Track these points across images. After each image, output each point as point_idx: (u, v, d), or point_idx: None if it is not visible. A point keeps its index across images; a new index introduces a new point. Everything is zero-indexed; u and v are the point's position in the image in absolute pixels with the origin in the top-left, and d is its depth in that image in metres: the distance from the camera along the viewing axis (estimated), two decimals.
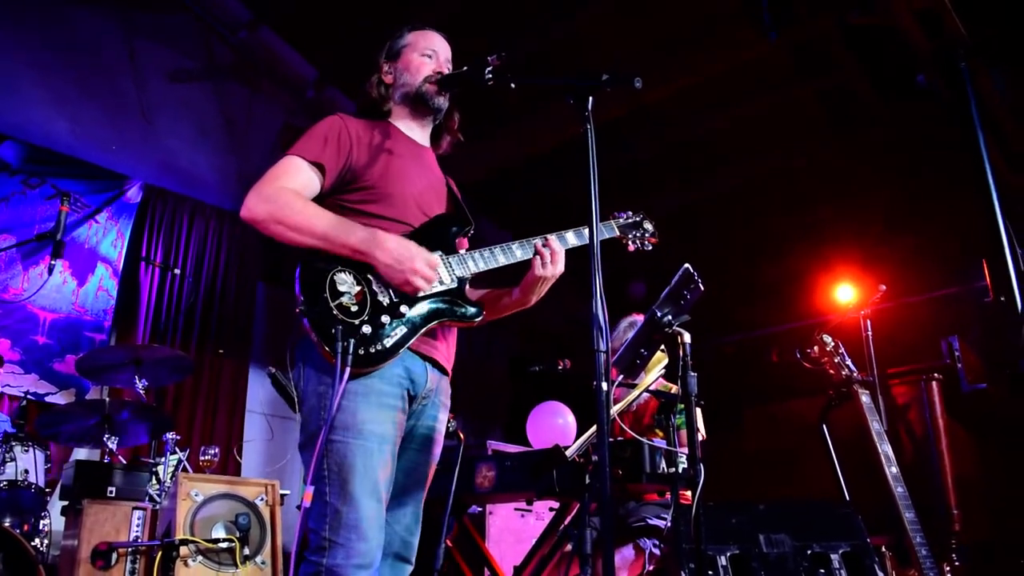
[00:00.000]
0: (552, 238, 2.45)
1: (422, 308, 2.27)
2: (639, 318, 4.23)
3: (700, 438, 3.14)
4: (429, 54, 2.59)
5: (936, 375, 5.75)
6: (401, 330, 2.21)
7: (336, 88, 7.87)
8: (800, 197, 7.53)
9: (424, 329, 2.26)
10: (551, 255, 2.41)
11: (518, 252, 2.44)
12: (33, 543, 4.11)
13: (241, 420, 7.03)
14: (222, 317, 7.13)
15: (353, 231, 2.23)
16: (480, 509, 4.90)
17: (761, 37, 5.71)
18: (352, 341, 2.10)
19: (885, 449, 3.42)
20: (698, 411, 2.73)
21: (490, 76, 2.35)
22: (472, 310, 2.37)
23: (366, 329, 2.15)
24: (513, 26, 6.41)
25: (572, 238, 2.52)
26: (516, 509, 5.14)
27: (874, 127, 6.95)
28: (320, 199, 2.35)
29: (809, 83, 6.69)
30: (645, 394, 3.70)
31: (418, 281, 2.21)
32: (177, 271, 6.31)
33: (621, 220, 2.79)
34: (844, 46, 6.13)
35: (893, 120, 6.73)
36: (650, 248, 2.80)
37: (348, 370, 2.06)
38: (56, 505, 4.47)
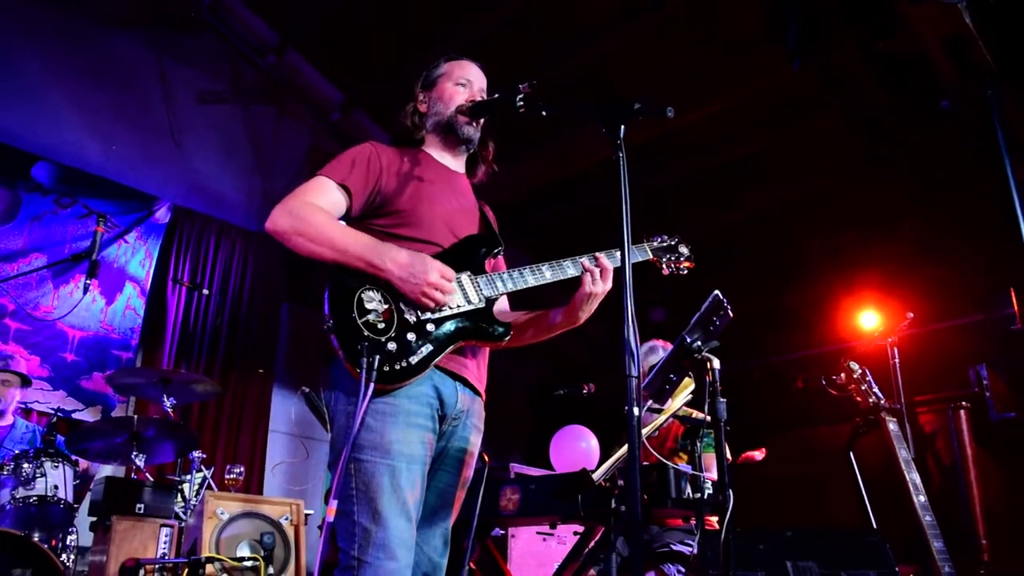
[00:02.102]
0: (602, 256, 2.44)
1: (448, 327, 2.28)
2: (659, 343, 4.23)
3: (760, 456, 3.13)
4: (463, 83, 2.62)
5: (964, 403, 5.69)
6: (427, 348, 2.22)
7: (362, 111, 7.96)
8: (825, 222, 7.50)
9: (451, 348, 2.27)
10: (601, 272, 2.41)
11: (548, 273, 2.44)
12: (61, 558, 4.15)
13: (264, 439, 7.07)
14: (247, 337, 7.20)
15: (369, 245, 2.26)
16: (502, 532, 4.89)
17: (783, 64, 5.73)
18: (377, 357, 2.11)
19: (913, 477, 3.39)
20: None
21: (521, 104, 2.37)
22: (500, 330, 2.37)
23: (392, 346, 2.16)
24: (540, 51, 6.47)
25: (606, 261, 2.50)
26: (538, 533, 5.12)
27: (900, 153, 6.93)
28: (350, 223, 2.39)
29: (834, 109, 6.69)
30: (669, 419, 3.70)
31: (433, 293, 2.22)
32: (207, 291, 6.39)
33: (655, 243, 2.77)
34: (868, 72, 6.13)
35: (919, 146, 6.71)
36: (685, 272, 2.77)
37: (372, 385, 2.08)
38: (84, 520, 4.51)
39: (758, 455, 3.27)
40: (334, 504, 2.12)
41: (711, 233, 7.82)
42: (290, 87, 7.81)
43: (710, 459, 3.40)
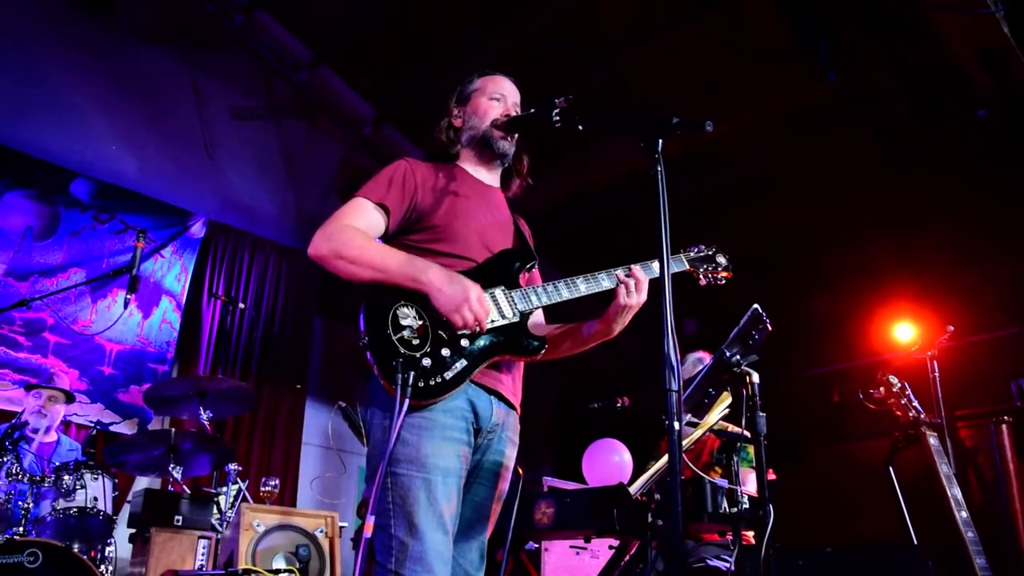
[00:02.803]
0: (636, 267, 2.44)
1: (483, 342, 2.29)
2: (705, 355, 4.21)
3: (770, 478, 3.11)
4: (498, 98, 2.64)
5: (1006, 417, 5.60)
6: (461, 363, 2.23)
7: (393, 126, 8.03)
8: (858, 234, 7.43)
9: (486, 363, 2.29)
10: (635, 283, 2.40)
11: (582, 287, 2.44)
12: (99, 569, 4.20)
13: (298, 452, 7.12)
14: (280, 350, 7.26)
15: (410, 263, 2.28)
16: (536, 546, 4.87)
17: (818, 75, 5.70)
18: (412, 373, 2.13)
19: (954, 493, 3.34)
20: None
21: (558, 118, 2.38)
22: (534, 344, 2.37)
23: (426, 362, 2.18)
24: (569, 64, 6.49)
25: (639, 273, 2.48)
26: (571, 547, 5.10)
27: (932, 163, 6.86)
28: (387, 239, 2.42)
29: (864, 119, 6.64)
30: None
31: (467, 316, 2.22)
32: (242, 305, 6.46)
33: (692, 254, 2.75)
34: (901, 82, 6.09)
35: (951, 156, 6.64)
36: (723, 283, 2.74)
37: (408, 401, 2.10)
38: (121, 532, 4.56)
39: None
40: (371, 520, 2.13)
41: (743, 245, 7.71)
42: (322, 102, 7.90)
43: (747, 473, 3.37)
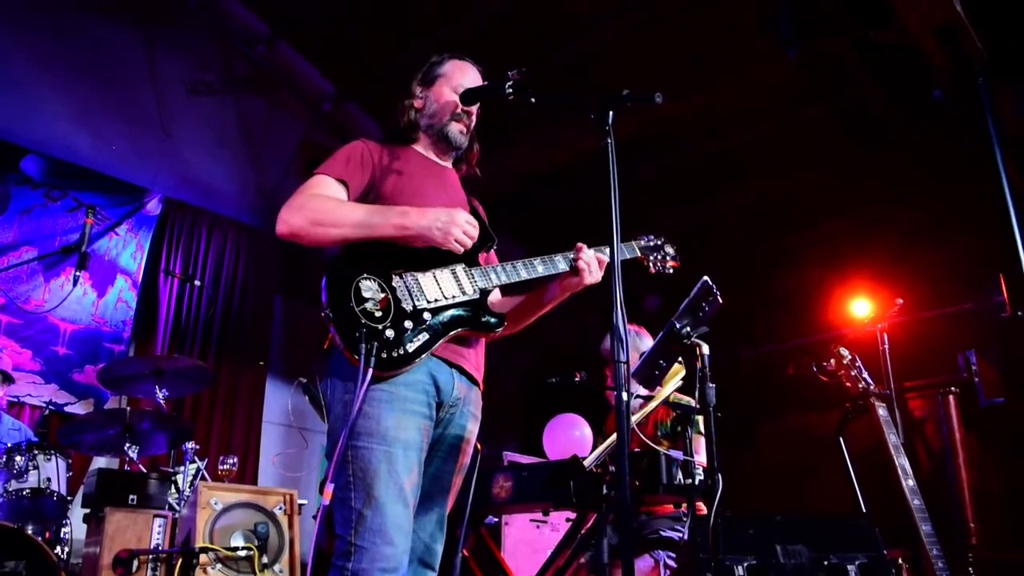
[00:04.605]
0: (586, 248, 2.54)
1: (444, 316, 2.32)
2: (639, 329, 4.25)
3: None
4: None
5: (953, 389, 5.74)
6: (423, 336, 2.26)
7: (353, 103, 7.95)
8: (817, 211, 7.53)
9: (447, 336, 2.31)
10: (588, 265, 2.52)
11: (540, 268, 2.51)
12: (55, 550, 4.16)
13: (258, 430, 7.07)
14: (240, 328, 7.19)
15: (389, 211, 2.33)
16: (496, 519, 4.91)
17: (779, 53, 5.73)
18: (375, 344, 2.15)
19: (902, 462, 3.42)
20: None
21: (511, 91, 2.39)
22: (493, 320, 2.43)
23: (389, 333, 2.20)
24: (532, 44, 6.47)
25: (589, 254, 2.58)
26: (532, 520, 5.15)
27: (891, 142, 6.95)
28: None
29: (826, 99, 6.70)
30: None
31: (463, 238, 2.30)
32: (198, 283, 6.37)
33: (643, 242, 2.84)
34: (859, 62, 6.14)
35: (910, 136, 6.73)
36: (671, 271, 2.85)
37: (371, 372, 2.12)
38: (77, 513, 4.52)
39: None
40: (331, 487, 2.15)
41: (706, 222, 7.85)
42: (281, 78, 7.80)
43: (698, 440, 3.42)
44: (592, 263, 2.51)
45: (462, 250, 2.33)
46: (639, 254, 2.81)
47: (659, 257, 2.85)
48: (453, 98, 2.61)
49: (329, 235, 2.30)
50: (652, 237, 2.87)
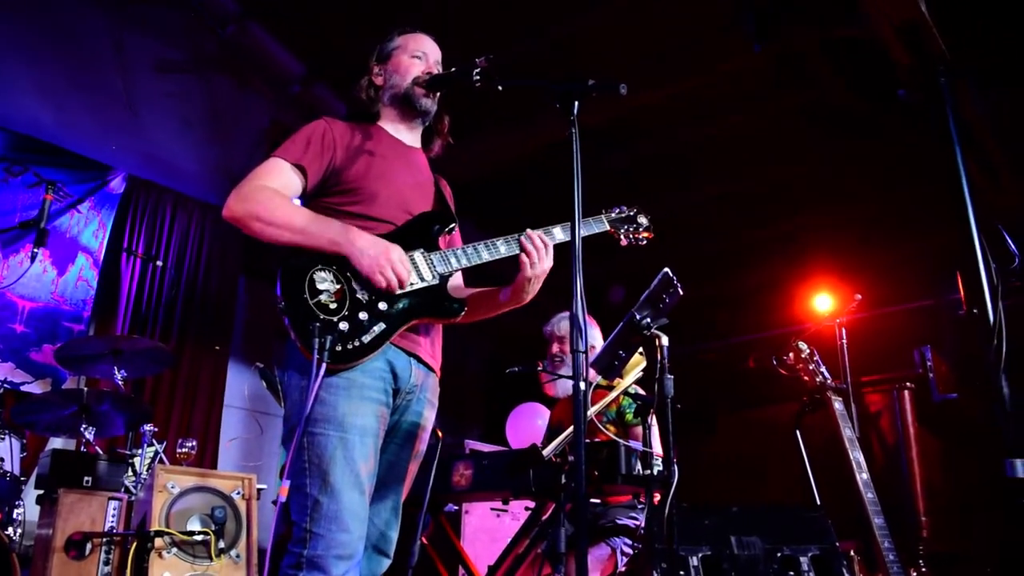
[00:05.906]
0: (536, 233, 2.44)
1: (401, 305, 2.29)
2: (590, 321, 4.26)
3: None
4: (419, 55, 2.63)
5: (908, 384, 5.84)
6: (380, 327, 2.23)
7: (323, 84, 7.86)
8: (780, 207, 7.60)
9: (405, 326, 2.29)
10: (537, 252, 2.41)
11: (503, 248, 2.45)
12: (6, 532, 4.09)
13: (219, 414, 7.00)
14: (203, 310, 7.10)
15: (330, 225, 2.27)
16: (456, 508, 4.92)
17: (745, 48, 5.76)
18: (330, 338, 2.13)
19: (856, 455, 3.48)
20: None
21: (478, 77, 2.38)
22: (454, 306, 2.40)
23: (344, 326, 2.18)
24: (502, 31, 6.44)
25: (559, 233, 2.50)
26: (492, 509, 5.16)
27: (854, 140, 7.02)
28: (305, 201, 2.39)
29: (790, 95, 6.75)
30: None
31: (389, 276, 2.22)
32: (160, 263, 6.28)
33: (612, 215, 2.76)
34: (825, 59, 6.19)
35: (873, 133, 6.81)
36: (644, 243, 2.78)
37: (324, 366, 2.10)
38: (31, 494, 4.45)
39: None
40: (286, 484, 2.13)
41: (670, 215, 7.84)
42: (250, 58, 7.68)
43: (637, 430, 3.45)
44: (533, 252, 2.39)
45: (383, 287, 2.24)
46: (608, 227, 2.73)
47: (631, 229, 2.77)
48: (413, 62, 2.59)
49: (266, 233, 2.25)
50: (624, 208, 2.80)
